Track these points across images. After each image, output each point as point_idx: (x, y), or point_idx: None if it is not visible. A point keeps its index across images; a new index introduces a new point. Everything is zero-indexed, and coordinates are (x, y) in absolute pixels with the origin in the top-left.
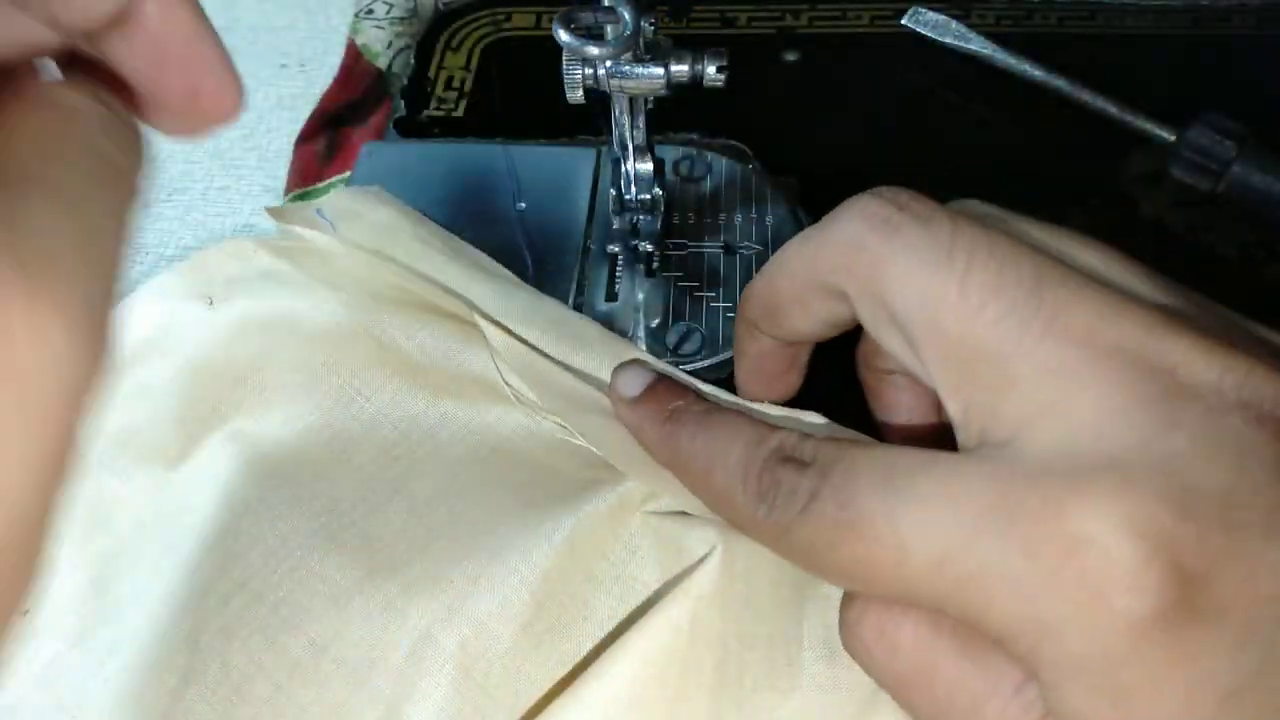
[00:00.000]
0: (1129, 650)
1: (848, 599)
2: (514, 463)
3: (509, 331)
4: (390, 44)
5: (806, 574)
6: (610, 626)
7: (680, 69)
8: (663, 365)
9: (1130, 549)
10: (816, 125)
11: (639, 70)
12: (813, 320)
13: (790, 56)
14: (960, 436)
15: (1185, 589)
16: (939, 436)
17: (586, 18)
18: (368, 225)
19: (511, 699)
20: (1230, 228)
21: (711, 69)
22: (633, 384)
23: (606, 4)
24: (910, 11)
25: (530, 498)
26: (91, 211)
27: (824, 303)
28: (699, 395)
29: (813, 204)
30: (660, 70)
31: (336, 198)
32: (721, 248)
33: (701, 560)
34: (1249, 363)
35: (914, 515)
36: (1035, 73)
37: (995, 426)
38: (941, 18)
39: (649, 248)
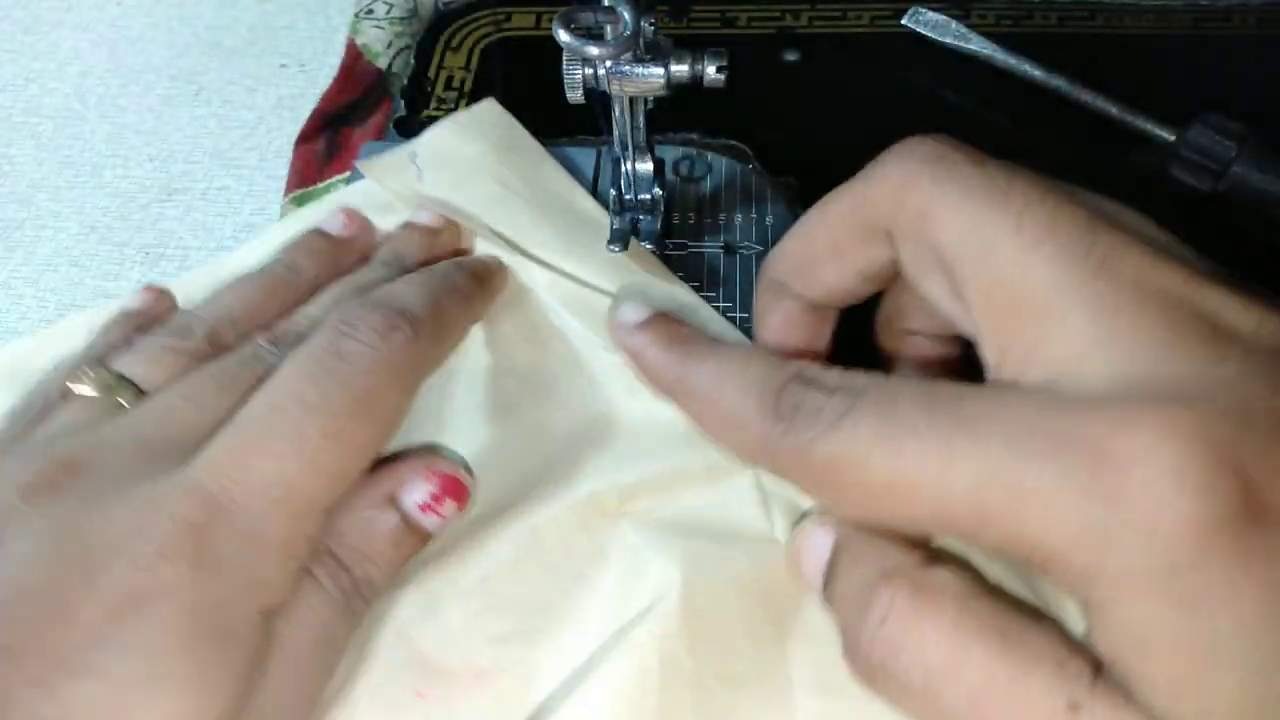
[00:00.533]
0: (1198, 555)
1: (869, 599)
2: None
3: (568, 275)
4: (390, 44)
5: (784, 610)
6: (565, 630)
7: (680, 69)
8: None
9: (1194, 457)
10: (816, 125)
11: (639, 70)
12: (847, 271)
13: (790, 56)
14: (992, 380)
15: (1251, 494)
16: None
17: (586, 18)
18: (452, 169)
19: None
20: (1230, 228)
21: (711, 69)
22: (637, 310)
23: (606, 4)
24: (910, 11)
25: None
26: None
27: (864, 249)
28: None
29: (812, 204)
30: (660, 70)
31: (434, 136)
32: (721, 248)
33: (658, 602)
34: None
35: (962, 431)
36: (1035, 73)
37: (1034, 369)
38: (941, 18)
39: (649, 248)
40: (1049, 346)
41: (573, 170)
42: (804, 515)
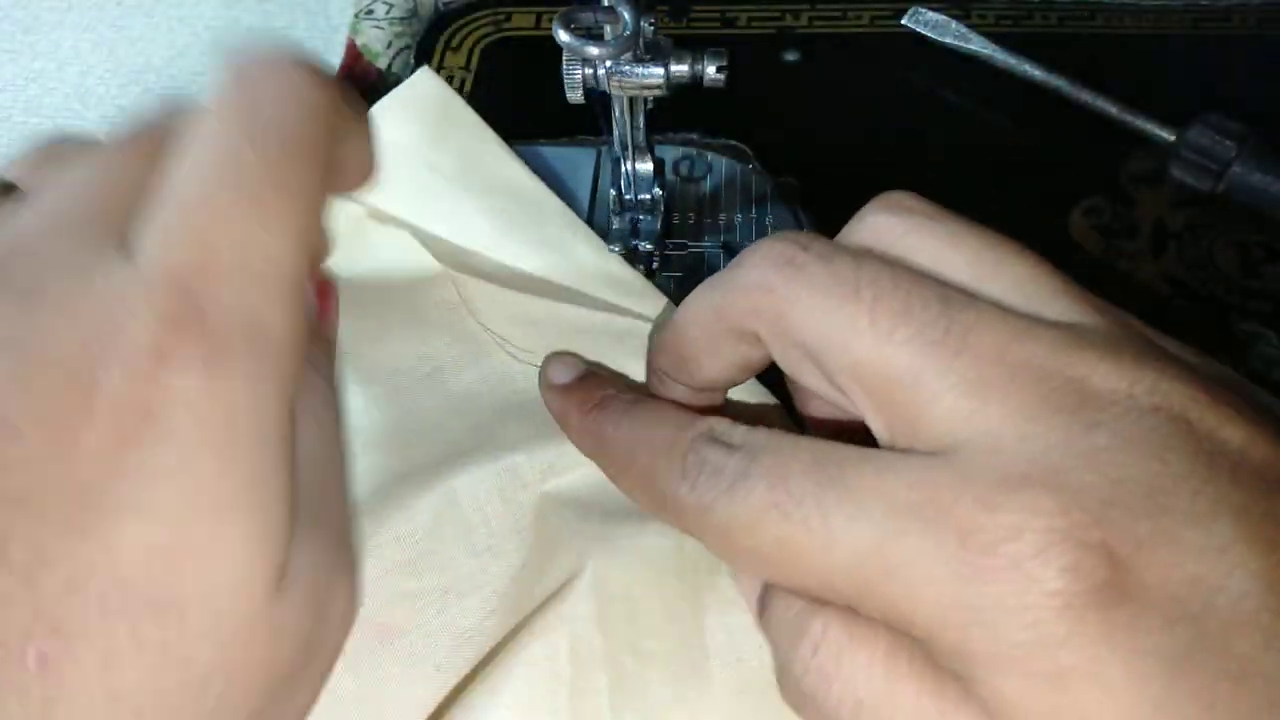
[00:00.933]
0: (1065, 631)
1: (802, 627)
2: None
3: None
4: (390, 44)
5: (700, 584)
6: (476, 599)
7: (680, 69)
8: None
9: (1061, 534)
10: (816, 125)
11: (639, 70)
12: (725, 365)
13: (790, 56)
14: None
15: (1117, 570)
16: (866, 434)
17: (586, 18)
18: (383, 158)
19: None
20: (1230, 228)
21: (711, 69)
22: (563, 372)
23: (606, 4)
24: (910, 11)
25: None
26: None
27: (735, 347)
28: (629, 388)
29: (813, 204)
30: (660, 70)
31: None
32: (721, 248)
33: (569, 583)
34: (1158, 370)
35: (845, 504)
36: (1035, 73)
37: (919, 443)
38: (941, 18)
39: (649, 247)
40: (927, 425)
41: (573, 170)
42: None
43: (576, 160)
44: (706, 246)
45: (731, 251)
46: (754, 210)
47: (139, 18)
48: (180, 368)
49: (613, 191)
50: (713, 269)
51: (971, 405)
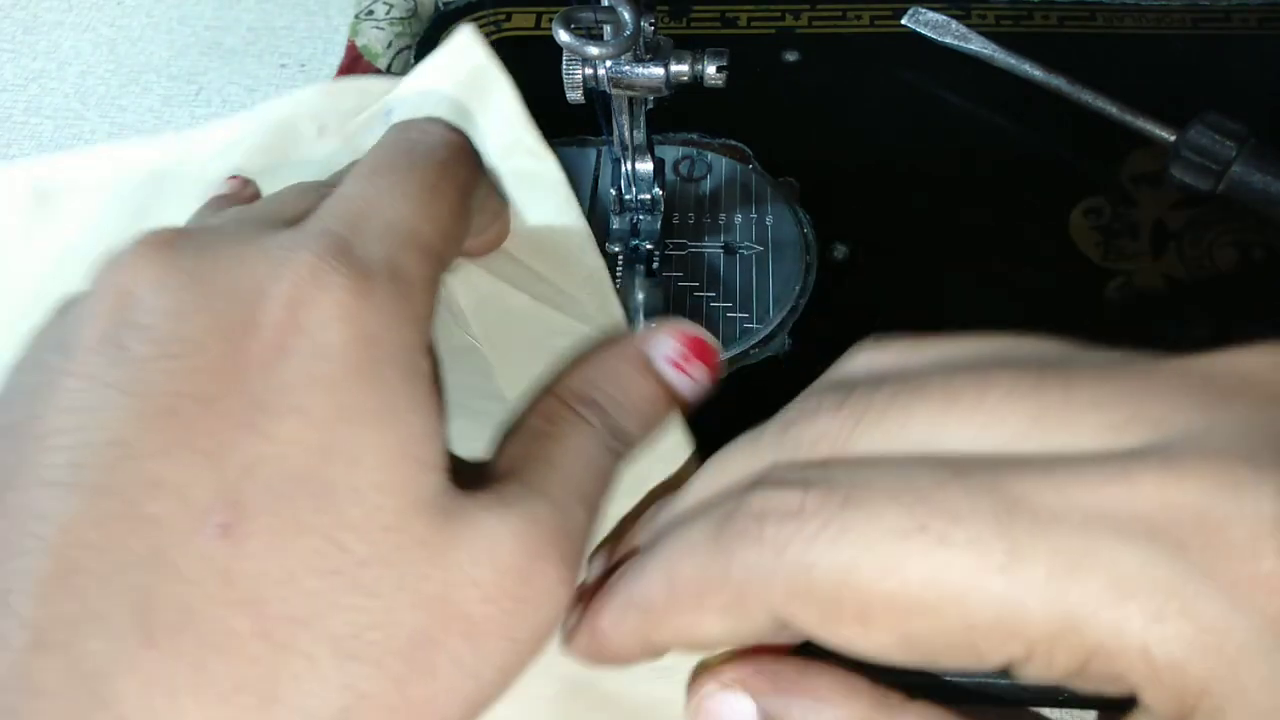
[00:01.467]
0: None
1: None
2: None
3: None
4: (390, 44)
5: None
6: None
7: (680, 69)
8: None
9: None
10: (816, 125)
11: (639, 70)
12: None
13: (790, 56)
14: None
15: None
16: None
17: (586, 18)
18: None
19: None
20: (1230, 227)
21: (711, 69)
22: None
23: (606, 4)
24: (910, 11)
25: None
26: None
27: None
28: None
29: (813, 204)
30: (660, 70)
31: (408, 91)
32: (721, 248)
33: None
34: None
35: (1018, 513)
36: (1035, 73)
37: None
38: (941, 18)
39: (649, 247)
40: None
41: (573, 170)
42: (699, 665)
43: (576, 160)
44: (706, 246)
45: (731, 251)
46: (754, 210)
47: (139, 17)
48: (329, 287)
49: (613, 191)
50: (713, 269)
51: (1122, 414)
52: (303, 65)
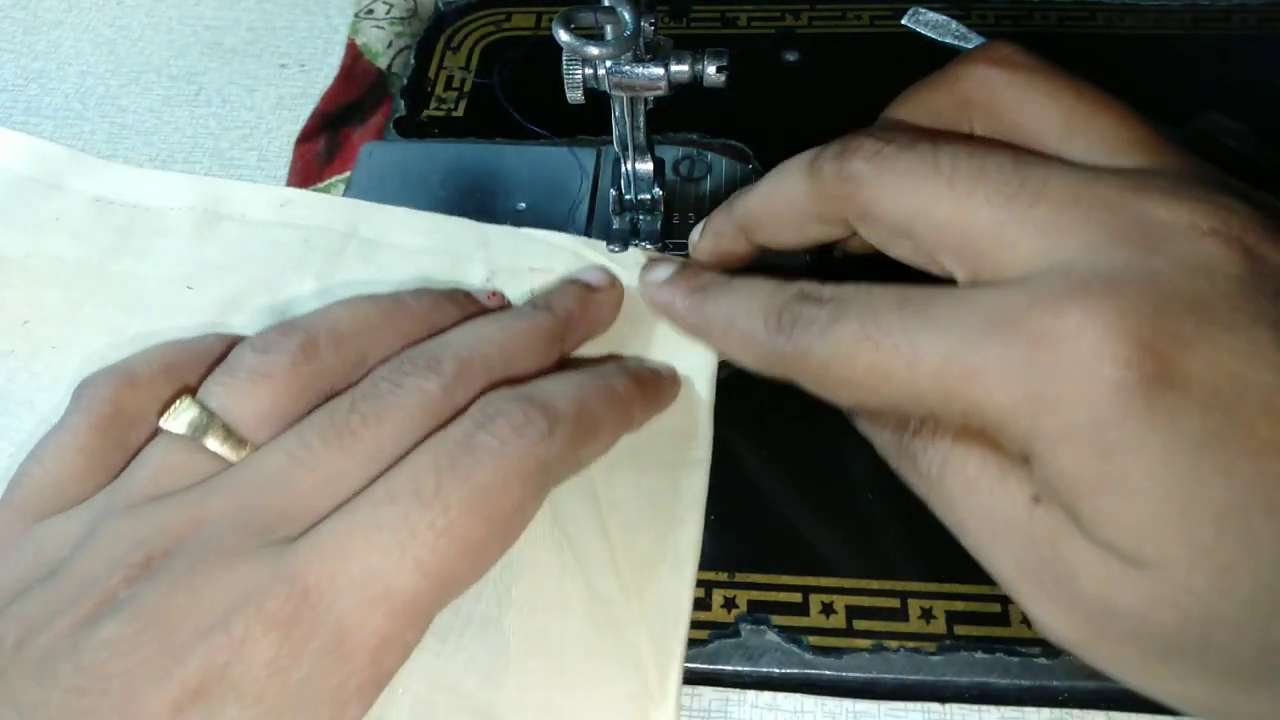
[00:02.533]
0: (1115, 414)
1: (924, 450)
2: None
3: None
4: (390, 44)
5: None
6: None
7: (680, 69)
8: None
9: (1116, 334)
10: (816, 125)
11: (639, 70)
12: (804, 238)
13: (790, 56)
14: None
15: (1161, 364)
16: None
17: (587, 18)
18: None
19: None
20: None
21: (712, 69)
22: (663, 270)
23: (606, 4)
24: (910, 11)
25: None
26: None
27: (821, 228)
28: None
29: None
30: (660, 70)
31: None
32: None
33: None
34: (1217, 202)
35: (927, 327)
36: None
37: (1002, 283)
38: (941, 18)
39: (649, 247)
40: (1009, 268)
41: (573, 170)
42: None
43: (577, 160)
44: None
45: None
46: None
47: (139, 17)
48: (250, 659)
49: (613, 192)
50: None
51: (1048, 243)
52: (303, 65)
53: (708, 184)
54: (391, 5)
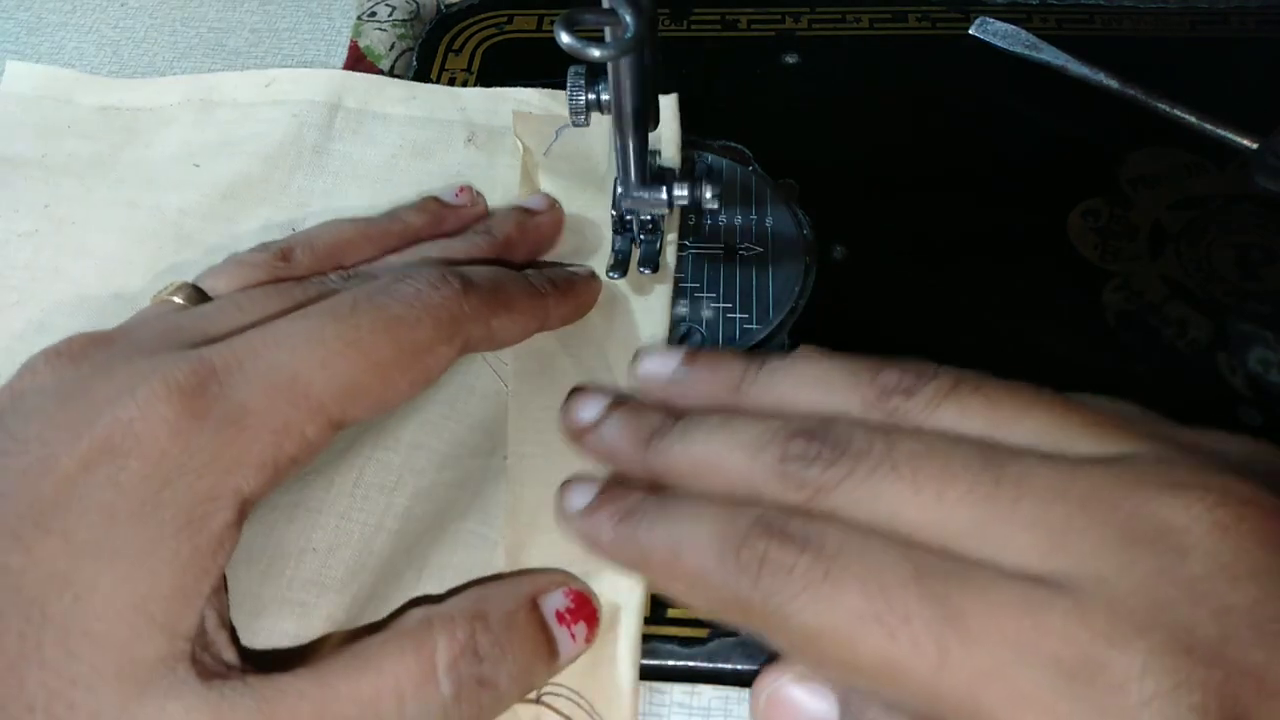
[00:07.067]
0: None
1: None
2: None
3: None
4: (392, 46)
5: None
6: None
7: (681, 194)
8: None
9: (1186, 673)
10: (816, 127)
11: (645, 194)
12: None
13: (790, 59)
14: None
15: (1240, 705)
16: None
17: (589, 20)
18: (570, 163)
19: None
20: (1228, 230)
21: (709, 193)
22: (581, 495)
23: (607, 6)
24: (978, 21)
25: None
26: None
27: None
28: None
29: (812, 205)
30: (663, 195)
31: (575, 131)
32: (721, 249)
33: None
34: (1220, 484)
35: (955, 626)
36: (1083, 70)
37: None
38: (1010, 27)
39: (648, 272)
40: (1008, 568)
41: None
42: (765, 662)
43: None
44: (707, 248)
45: (731, 253)
46: (754, 212)
47: (143, 19)
48: (154, 420)
49: (613, 213)
50: (713, 270)
51: (1050, 542)
52: (306, 67)
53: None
54: (394, 7)
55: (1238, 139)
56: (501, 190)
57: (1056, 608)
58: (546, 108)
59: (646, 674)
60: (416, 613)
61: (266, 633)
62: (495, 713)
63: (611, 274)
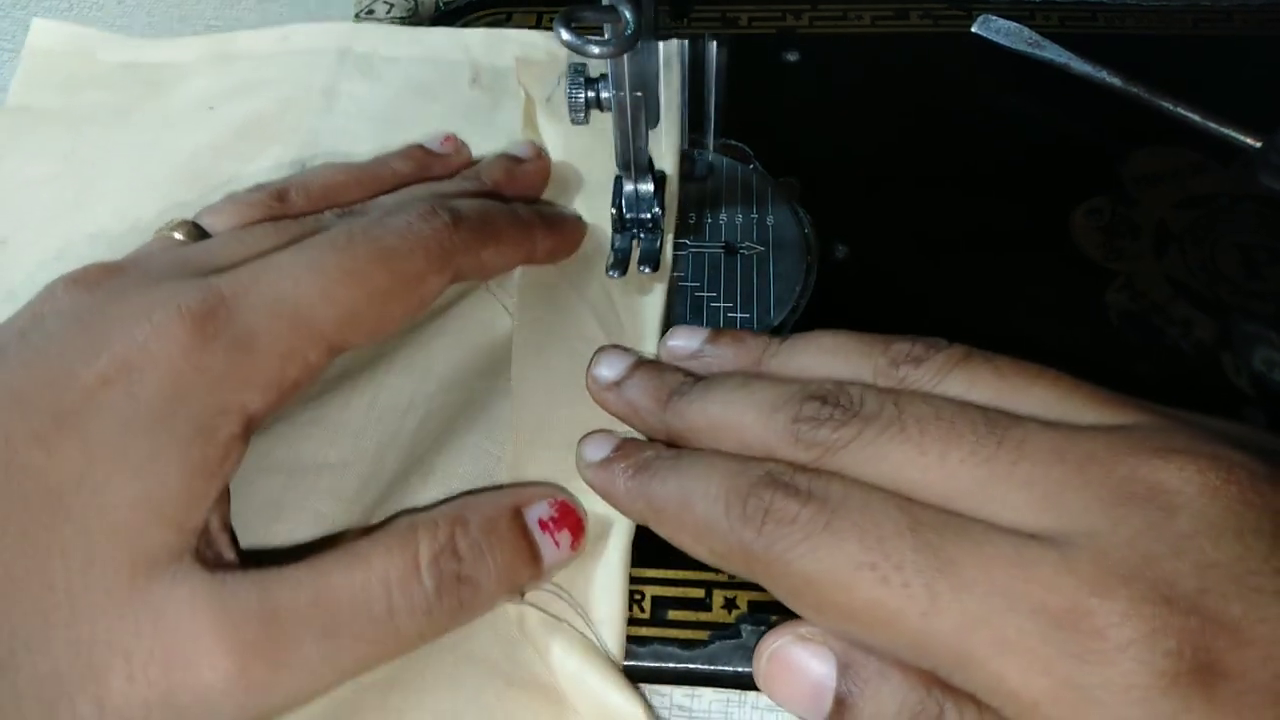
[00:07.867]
0: (1172, 708)
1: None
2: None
3: None
4: None
5: None
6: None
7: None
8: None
9: (1164, 620)
10: (817, 125)
11: (645, 191)
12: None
13: (791, 56)
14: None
15: (1216, 651)
16: None
17: (588, 17)
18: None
19: None
20: (1232, 230)
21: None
22: (599, 448)
23: (607, 3)
24: (980, 19)
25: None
26: None
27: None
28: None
29: (813, 204)
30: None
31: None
32: (722, 248)
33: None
34: (1214, 452)
35: (948, 574)
36: (1087, 69)
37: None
38: (1013, 25)
39: (647, 270)
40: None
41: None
42: (772, 623)
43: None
44: (707, 246)
45: (732, 252)
46: (755, 210)
47: (140, 16)
48: (168, 339)
49: (613, 211)
50: (713, 269)
51: (1045, 501)
52: None
53: (708, 184)
54: (392, 5)
55: (1241, 137)
56: (505, 136)
57: (1047, 560)
58: (550, 50)
59: (646, 676)
60: (404, 518)
61: (284, 536)
62: (479, 608)
63: (612, 273)
